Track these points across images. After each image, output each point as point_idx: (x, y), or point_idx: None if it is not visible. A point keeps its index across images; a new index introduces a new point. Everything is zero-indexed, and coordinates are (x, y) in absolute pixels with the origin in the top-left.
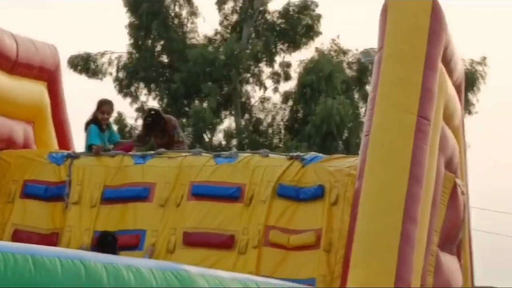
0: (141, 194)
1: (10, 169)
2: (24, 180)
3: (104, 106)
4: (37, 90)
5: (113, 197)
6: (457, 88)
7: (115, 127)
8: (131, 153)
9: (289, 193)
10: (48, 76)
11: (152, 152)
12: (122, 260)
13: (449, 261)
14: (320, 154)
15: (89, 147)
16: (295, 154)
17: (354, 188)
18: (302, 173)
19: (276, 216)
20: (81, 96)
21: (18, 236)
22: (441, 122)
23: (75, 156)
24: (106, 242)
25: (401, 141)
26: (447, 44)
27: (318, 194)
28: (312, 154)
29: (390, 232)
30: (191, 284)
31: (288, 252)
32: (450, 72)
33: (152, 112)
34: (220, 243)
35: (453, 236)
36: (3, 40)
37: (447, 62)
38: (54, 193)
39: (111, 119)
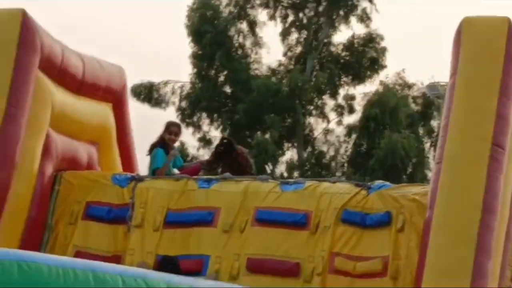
0: (205, 219)
1: (74, 190)
2: (87, 202)
3: (172, 127)
4: (102, 111)
5: (176, 221)
6: None
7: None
8: (195, 177)
9: (355, 219)
10: (114, 97)
11: (217, 176)
12: (185, 280)
13: None
14: (387, 183)
15: (153, 172)
16: (362, 182)
17: (420, 214)
18: (367, 200)
19: (342, 242)
20: (143, 124)
21: (79, 258)
22: None
23: (139, 179)
24: (167, 268)
25: (475, 170)
26: None
27: (384, 220)
28: (379, 182)
29: (462, 265)
30: None
31: (354, 280)
32: None
33: (225, 141)
34: (285, 270)
35: None
36: (69, 59)
37: None
38: (117, 216)
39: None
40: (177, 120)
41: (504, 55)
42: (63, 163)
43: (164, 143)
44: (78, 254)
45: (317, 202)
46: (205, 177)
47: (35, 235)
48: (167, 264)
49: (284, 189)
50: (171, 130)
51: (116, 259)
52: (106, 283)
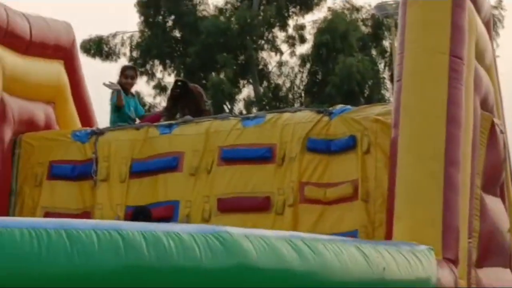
0: (170, 164)
1: (34, 151)
2: (50, 162)
3: (128, 71)
4: (54, 69)
5: (141, 170)
6: (486, 26)
7: None
8: (156, 123)
9: (320, 147)
10: (64, 54)
11: (177, 120)
12: (160, 227)
13: (494, 203)
14: (349, 106)
15: (116, 108)
16: (323, 109)
17: (384, 134)
18: (330, 126)
19: (309, 171)
20: (97, 79)
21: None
22: (474, 61)
23: (100, 132)
24: (139, 218)
25: (436, 83)
26: None
27: (350, 144)
28: (340, 106)
29: (432, 179)
30: (235, 246)
31: (325, 207)
32: (478, 9)
33: (179, 83)
34: (255, 206)
35: (496, 177)
36: (15, 21)
37: None
38: (81, 172)
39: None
40: None
41: None
42: (20, 126)
43: (122, 88)
44: (47, 215)
45: (280, 134)
46: (166, 122)
47: (1, 201)
48: (138, 214)
49: (246, 124)
50: (127, 74)
51: (86, 215)
52: (80, 239)
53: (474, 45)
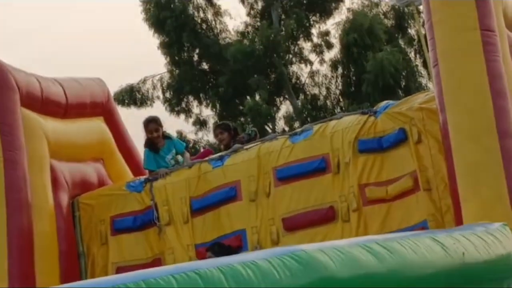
0: (229, 195)
1: (94, 210)
2: (111, 217)
3: (149, 125)
4: (95, 126)
5: (202, 206)
6: None
7: None
8: (206, 158)
9: (372, 146)
10: (102, 110)
11: (227, 151)
12: (235, 258)
13: None
14: (391, 101)
15: (148, 171)
16: (367, 109)
17: (432, 120)
18: (377, 124)
19: (367, 172)
20: (139, 127)
21: (122, 273)
22: (505, 30)
23: (153, 179)
24: (221, 254)
25: (473, 60)
26: None
27: (401, 138)
28: (384, 103)
29: (490, 155)
30: (313, 262)
31: (390, 204)
32: None
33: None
34: (321, 218)
35: None
36: (48, 88)
37: None
38: (143, 221)
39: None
40: (165, 112)
41: None
42: (75, 189)
43: (150, 142)
44: (119, 270)
45: (330, 142)
46: (216, 155)
47: (72, 266)
48: (219, 251)
49: (295, 140)
50: (149, 128)
51: (157, 262)
52: (159, 286)
53: (502, 15)
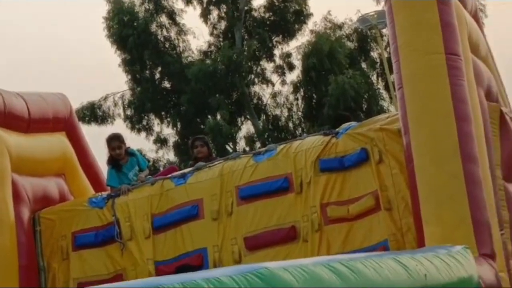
0: (190, 213)
1: (55, 226)
2: (72, 233)
3: (112, 142)
4: (57, 141)
5: (163, 224)
6: (474, 17)
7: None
8: (169, 175)
9: (333, 165)
10: (64, 125)
11: (190, 169)
12: (199, 274)
13: None
14: (353, 123)
15: (108, 186)
16: (329, 131)
17: (392, 140)
18: (338, 144)
19: (328, 191)
20: (100, 144)
21: None
22: (470, 54)
23: (116, 195)
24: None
25: (438, 84)
26: None
27: (363, 157)
28: (346, 125)
29: (453, 178)
30: (276, 279)
31: (352, 223)
32: (463, 2)
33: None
34: (283, 237)
35: None
36: (11, 102)
37: None
38: (105, 237)
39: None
40: (126, 129)
41: None
42: (36, 203)
43: (113, 159)
44: (80, 285)
45: (293, 162)
46: (179, 173)
47: (32, 281)
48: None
49: (258, 159)
50: (112, 146)
51: (119, 277)
52: None
53: (467, 39)
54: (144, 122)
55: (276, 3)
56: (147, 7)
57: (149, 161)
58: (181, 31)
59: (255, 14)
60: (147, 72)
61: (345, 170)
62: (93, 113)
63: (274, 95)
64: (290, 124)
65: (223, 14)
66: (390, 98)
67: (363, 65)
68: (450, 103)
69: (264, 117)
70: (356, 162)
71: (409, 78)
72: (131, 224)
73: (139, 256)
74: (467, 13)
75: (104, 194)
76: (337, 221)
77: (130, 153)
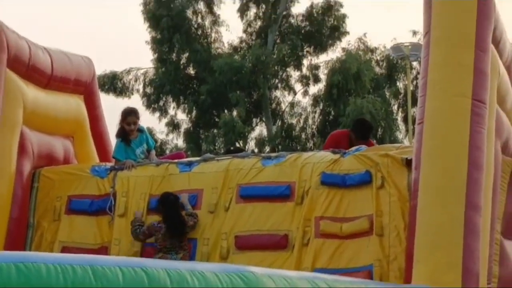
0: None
1: (54, 186)
2: (68, 196)
3: (129, 117)
4: (74, 103)
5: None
6: (508, 69)
7: None
8: (176, 160)
9: (335, 180)
10: (84, 89)
11: (197, 158)
12: (184, 265)
13: None
14: (363, 146)
15: (113, 157)
16: (338, 149)
17: (396, 168)
18: (344, 162)
19: (325, 205)
20: (113, 115)
21: (66, 253)
22: (496, 104)
23: (119, 168)
24: (168, 202)
25: (458, 126)
26: (496, 24)
27: (366, 179)
28: (355, 147)
29: (453, 222)
30: (258, 285)
31: (342, 241)
32: (500, 52)
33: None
34: (273, 244)
35: None
36: (37, 55)
37: (497, 43)
38: (99, 207)
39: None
40: (142, 107)
41: (476, 9)
42: (40, 160)
43: (124, 133)
44: (64, 250)
45: (299, 172)
46: (186, 160)
47: (19, 235)
48: (166, 199)
49: (265, 164)
50: (128, 120)
51: (103, 250)
52: (105, 276)
53: (495, 90)
54: (161, 103)
55: (315, 15)
56: None
57: (156, 142)
58: (216, 21)
59: (292, 20)
60: (174, 55)
61: (346, 188)
62: (113, 83)
63: (293, 104)
64: (303, 135)
65: (260, 14)
66: (406, 131)
67: (387, 92)
68: (466, 148)
69: (279, 123)
70: (358, 182)
71: (431, 115)
72: (127, 200)
73: (125, 234)
74: (501, 64)
75: (108, 165)
76: (328, 236)
77: (140, 129)
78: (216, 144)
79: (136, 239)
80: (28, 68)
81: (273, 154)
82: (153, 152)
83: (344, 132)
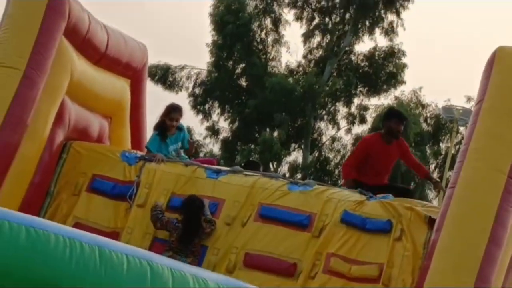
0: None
1: (81, 160)
2: (93, 174)
3: (174, 113)
4: (120, 86)
5: (178, 206)
6: None
7: None
8: (206, 165)
9: (355, 221)
10: (133, 73)
11: (227, 168)
12: (190, 268)
13: None
14: (390, 195)
15: (147, 151)
16: (366, 192)
17: (416, 223)
18: (367, 205)
19: (340, 243)
20: (154, 106)
21: (78, 229)
22: None
23: (149, 159)
24: (193, 206)
25: (487, 200)
26: None
27: (386, 228)
28: (383, 194)
29: None
30: None
31: (347, 283)
32: None
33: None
34: (281, 269)
35: None
36: (95, 30)
37: None
38: (121, 192)
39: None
40: (187, 105)
41: None
42: (74, 133)
43: (164, 127)
44: (77, 226)
45: (323, 205)
46: (215, 167)
47: (36, 200)
48: (192, 203)
49: (292, 189)
50: (172, 116)
51: (114, 235)
52: (111, 260)
53: None
54: (206, 106)
55: (376, 57)
56: (257, 4)
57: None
58: (278, 40)
59: (353, 57)
60: (231, 62)
61: (364, 231)
62: (165, 75)
63: (334, 138)
64: (336, 171)
65: (323, 44)
66: (438, 192)
67: (428, 150)
68: (490, 223)
69: (316, 154)
70: (377, 228)
71: (464, 183)
72: (149, 192)
73: (140, 225)
74: None
75: (139, 153)
76: (335, 274)
77: (179, 127)
78: (250, 159)
79: (153, 222)
80: (84, 41)
81: (301, 181)
82: (181, 151)
83: (375, 136)
